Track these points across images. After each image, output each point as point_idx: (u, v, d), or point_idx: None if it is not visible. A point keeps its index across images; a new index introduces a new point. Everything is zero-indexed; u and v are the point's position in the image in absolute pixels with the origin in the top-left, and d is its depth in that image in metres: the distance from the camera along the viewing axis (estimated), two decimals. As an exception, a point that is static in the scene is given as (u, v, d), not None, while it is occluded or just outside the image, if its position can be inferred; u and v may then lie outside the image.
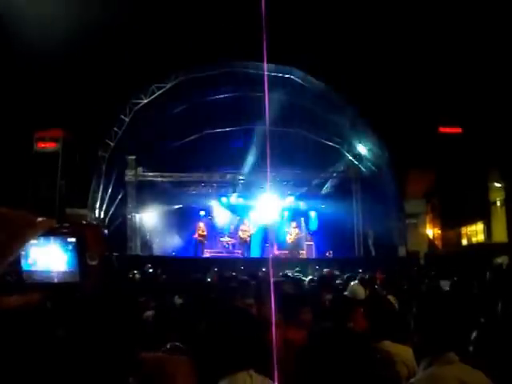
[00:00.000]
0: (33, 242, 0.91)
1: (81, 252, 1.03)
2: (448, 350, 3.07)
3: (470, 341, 3.43)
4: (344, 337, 2.81)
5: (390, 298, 6.50)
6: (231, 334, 3.11)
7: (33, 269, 1.05)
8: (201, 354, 3.12)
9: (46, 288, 0.99)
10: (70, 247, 1.03)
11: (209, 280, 11.45)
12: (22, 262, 1.02)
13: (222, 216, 26.01)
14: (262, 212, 25.33)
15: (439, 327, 3.15)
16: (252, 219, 25.07)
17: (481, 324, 4.24)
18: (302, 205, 26.12)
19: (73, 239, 1.02)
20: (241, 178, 24.70)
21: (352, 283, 8.13)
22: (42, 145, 23.94)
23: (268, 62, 22.73)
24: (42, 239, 0.99)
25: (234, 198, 25.74)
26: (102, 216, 23.47)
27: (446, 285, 9.28)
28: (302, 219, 25.53)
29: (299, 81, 23.91)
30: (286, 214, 25.92)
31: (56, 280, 1.07)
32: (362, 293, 7.04)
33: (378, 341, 4.01)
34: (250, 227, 23.75)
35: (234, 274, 13.84)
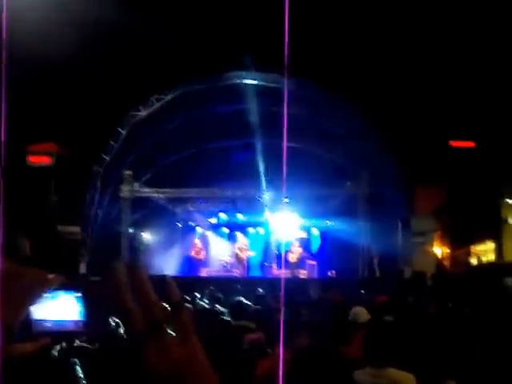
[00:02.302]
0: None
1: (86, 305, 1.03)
2: (448, 377, 3.16)
3: (472, 368, 3.51)
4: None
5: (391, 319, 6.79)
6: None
7: (42, 319, 1.06)
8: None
9: (54, 334, 1.04)
10: (78, 300, 1.04)
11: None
12: (32, 313, 1.01)
13: (220, 233, 25.26)
14: (264, 230, 24.70)
15: (440, 355, 3.24)
16: (251, 237, 24.32)
17: (481, 352, 4.19)
18: (306, 223, 25.23)
19: (79, 294, 1.04)
20: (241, 194, 23.90)
21: (355, 307, 7.70)
22: (35, 159, 23.30)
23: (270, 74, 22.27)
24: (51, 292, 0.99)
25: (232, 214, 24.99)
26: (94, 233, 22.75)
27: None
28: (305, 237, 24.69)
29: (305, 93, 23.11)
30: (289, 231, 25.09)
31: (63, 329, 1.10)
32: (364, 316, 6.53)
33: (382, 368, 3.85)
34: (248, 246, 22.98)
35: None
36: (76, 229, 22.71)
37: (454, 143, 25.23)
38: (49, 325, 1.09)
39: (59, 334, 1.11)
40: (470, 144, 25.13)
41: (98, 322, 1.00)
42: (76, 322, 1.10)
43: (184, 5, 21.04)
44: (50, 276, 0.94)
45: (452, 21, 20.14)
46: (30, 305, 0.92)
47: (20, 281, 0.89)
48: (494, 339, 4.69)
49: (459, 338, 4.94)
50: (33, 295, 0.90)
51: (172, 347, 0.82)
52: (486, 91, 21.61)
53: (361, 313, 6.84)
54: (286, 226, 25.04)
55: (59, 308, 1.07)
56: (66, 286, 1.01)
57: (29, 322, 1.02)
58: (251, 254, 23.31)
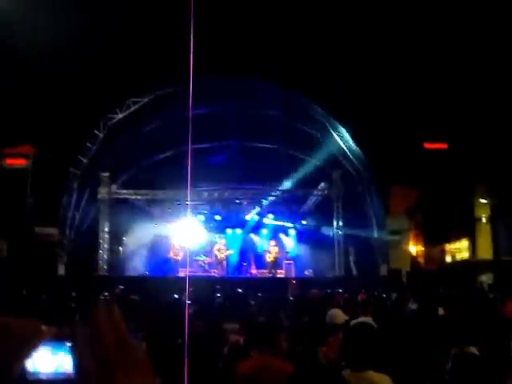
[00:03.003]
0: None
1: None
2: (423, 380, 3.20)
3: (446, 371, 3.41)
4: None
5: (368, 319, 6.55)
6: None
7: (36, 370, 1.08)
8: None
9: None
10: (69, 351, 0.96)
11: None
12: (26, 365, 1.03)
13: (197, 234, 25.26)
14: (241, 230, 24.87)
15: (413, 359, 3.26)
16: (229, 237, 24.44)
17: (456, 354, 4.11)
18: (282, 222, 25.40)
19: (69, 343, 0.94)
20: (218, 195, 23.98)
21: (332, 309, 7.77)
22: (11, 161, 23.23)
23: (249, 77, 22.36)
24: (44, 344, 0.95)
25: (209, 216, 25.06)
26: (72, 235, 22.67)
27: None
28: (282, 237, 24.90)
29: (280, 95, 23.24)
30: (265, 231, 25.25)
31: (57, 379, 1.11)
32: (340, 318, 6.68)
33: (361, 370, 3.84)
34: (226, 246, 23.10)
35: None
36: (53, 230, 22.62)
37: (428, 145, 25.65)
38: (43, 377, 1.10)
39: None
40: (443, 145, 25.56)
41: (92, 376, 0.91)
42: (69, 373, 1.09)
43: (157, 10, 21.08)
44: (44, 328, 0.93)
45: (424, 26, 20.44)
46: (26, 357, 0.90)
47: (12, 333, 0.88)
48: (470, 340, 4.73)
49: (435, 339, 4.98)
50: (27, 348, 0.89)
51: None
52: (458, 95, 21.95)
53: (338, 315, 6.94)
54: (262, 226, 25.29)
55: (52, 359, 1.08)
56: (59, 337, 1.00)
57: (23, 374, 1.02)
58: (230, 252, 23.40)
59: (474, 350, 4.43)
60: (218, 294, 14.12)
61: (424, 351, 4.23)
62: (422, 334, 5.39)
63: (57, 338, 1.00)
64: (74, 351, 0.91)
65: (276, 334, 4.70)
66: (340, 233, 23.06)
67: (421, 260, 28.57)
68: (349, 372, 3.81)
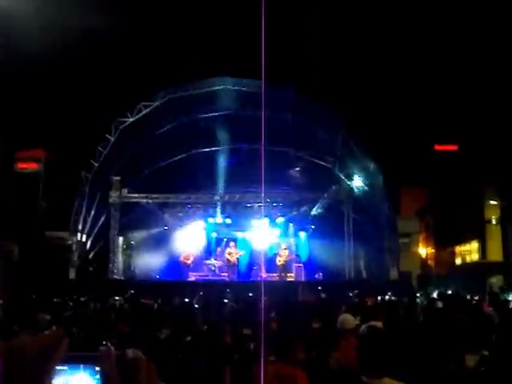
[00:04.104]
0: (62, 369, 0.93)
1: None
2: None
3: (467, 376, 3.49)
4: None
5: (379, 324, 6.35)
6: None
7: None
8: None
9: None
10: (98, 376, 0.95)
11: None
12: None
13: (208, 238, 25.31)
14: (251, 234, 24.85)
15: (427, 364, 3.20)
16: (239, 241, 24.45)
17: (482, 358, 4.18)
18: (292, 226, 25.40)
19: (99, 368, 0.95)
20: (228, 198, 24.00)
21: (343, 314, 7.76)
22: (23, 165, 23.36)
23: (255, 79, 22.40)
24: (71, 366, 0.96)
25: (219, 219, 25.04)
26: (83, 239, 22.78)
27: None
28: (292, 240, 24.89)
29: (290, 99, 23.23)
30: (276, 235, 25.25)
31: None
32: (351, 322, 6.72)
33: (378, 378, 3.77)
34: (237, 249, 23.10)
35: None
36: (64, 234, 22.71)
37: (438, 146, 25.66)
38: None
39: None
40: (454, 147, 25.56)
41: None
42: None
43: (167, 13, 21.19)
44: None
45: (433, 28, 20.47)
46: (52, 371, 0.89)
47: (42, 347, 0.88)
48: (483, 344, 4.71)
49: (448, 344, 4.96)
50: (53, 359, 0.88)
51: None
52: (468, 98, 21.96)
53: (348, 320, 6.97)
54: (273, 229, 25.26)
55: (73, 379, 1.02)
56: (86, 359, 0.98)
57: None
58: (241, 253, 23.31)
59: (487, 353, 4.46)
60: (227, 299, 14.12)
61: (437, 356, 4.25)
62: (435, 339, 5.39)
63: (84, 360, 0.99)
64: (102, 375, 0.93)
65: (291, 342, 4.73)
66: (350, 236, 23.01)
67: (431, 262, 28.54)
68: (364, 379, 3.84)
